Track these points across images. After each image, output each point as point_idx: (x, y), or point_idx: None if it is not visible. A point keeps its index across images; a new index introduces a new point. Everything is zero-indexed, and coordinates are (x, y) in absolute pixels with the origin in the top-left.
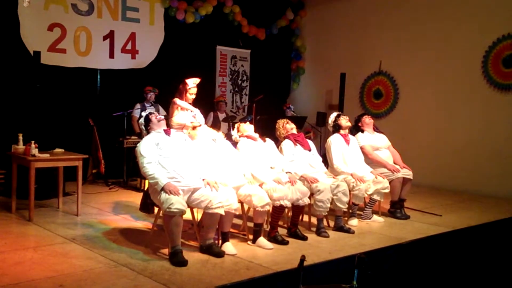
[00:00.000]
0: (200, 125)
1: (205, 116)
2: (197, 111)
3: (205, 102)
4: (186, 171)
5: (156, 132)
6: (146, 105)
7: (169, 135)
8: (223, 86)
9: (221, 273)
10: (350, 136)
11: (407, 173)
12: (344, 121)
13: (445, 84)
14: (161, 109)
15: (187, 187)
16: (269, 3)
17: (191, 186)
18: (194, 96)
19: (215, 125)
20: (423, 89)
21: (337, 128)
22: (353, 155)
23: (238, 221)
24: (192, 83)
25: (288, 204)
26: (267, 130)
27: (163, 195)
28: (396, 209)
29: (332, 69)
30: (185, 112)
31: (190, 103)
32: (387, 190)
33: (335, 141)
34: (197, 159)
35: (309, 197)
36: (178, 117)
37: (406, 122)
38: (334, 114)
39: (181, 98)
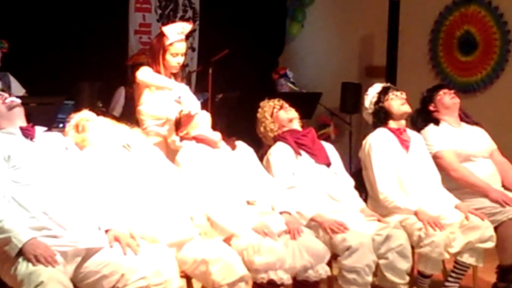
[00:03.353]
0: (196, 114)
1: (112, 95)
2: (184, 90)
3: (110, 67)
4: (69, 214)
5: (4, 134)
6: None
7: (31, 139)
8: (144, 33)
9: None
10: (410, 132)
11: None
12: (397, 102)
13: None
14: (13, 81)
15: (72, 247)
16: None
17: (80, 244)
18: (182, 59)
19: (130, 113)
20: None
21: (382, 116)
22: (417, 171)
23: None
24: (177, 33)
25: (287, 278)
26: (239, 123)
27: (23, 266)
28: (511, 283)
29: None
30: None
31: (174, 73)
32: (489, 245)
33: (379, 144)
34: (93, 187)
35: (329, 263)
36: (154, 105)
37: None
38: (377, 87)
39: (156, 66)
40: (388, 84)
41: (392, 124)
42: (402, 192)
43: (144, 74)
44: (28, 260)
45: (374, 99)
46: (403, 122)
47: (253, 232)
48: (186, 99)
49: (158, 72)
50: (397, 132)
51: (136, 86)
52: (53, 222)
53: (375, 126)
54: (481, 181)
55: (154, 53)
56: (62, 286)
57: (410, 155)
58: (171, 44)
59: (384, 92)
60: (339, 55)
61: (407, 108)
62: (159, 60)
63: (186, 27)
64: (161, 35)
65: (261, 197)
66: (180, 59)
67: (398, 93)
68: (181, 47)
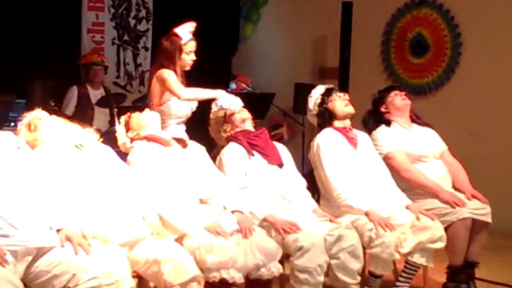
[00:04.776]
0: (239, 110)
1: (64, 94)
2: (222, 93)
3: (63, 65)
4: (20, 213)
5: None
6: None
7: None
8: (97, 32)
9: None
10: (356, 131)
11: (480, 208)
12: (341, 103)
13: None
14: None
15: (22, 246)
16: None
17: (31, 244)
18: (194, 57)
19: (83, 113)
20: (510, 36)
21: (326, 117)
22: (367, 168)
23: None
24: (188, 32)
25: (239, 277)
26: (191, 123)
27: None
28: (460, 283)
29: None
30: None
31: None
32: (439, 245)
33: (327, 143)
34: (45, 186)
35: (281, 263)
36: (177, 104)
37: (476, 102)
38: (320, 89)
39: (173, 66)
40: (331, 86)
41: (337, 123)
42: (355, 190)
43: (186, 92)
44: None
45: (318, 101)
46: (348, 121)
47: (205, 231)
48: (224, 101)
49: (175, 71)
50: (344, 131)
51: (154, 85)
52: (4, 221)
53: (320, 127)
54: (431, 182)
55: (170, 55)
56: (12, 286)
57: (358, 152)
58: (185, 44)
59: (327, 93)
60: (292, 56)
61: (350, 109)
62: (175, 61)
63: (193, 25)
64: (173, 36)
65: (213, 195)
66: (193, 57)
67: (341, 94)
68: (194, 45)
